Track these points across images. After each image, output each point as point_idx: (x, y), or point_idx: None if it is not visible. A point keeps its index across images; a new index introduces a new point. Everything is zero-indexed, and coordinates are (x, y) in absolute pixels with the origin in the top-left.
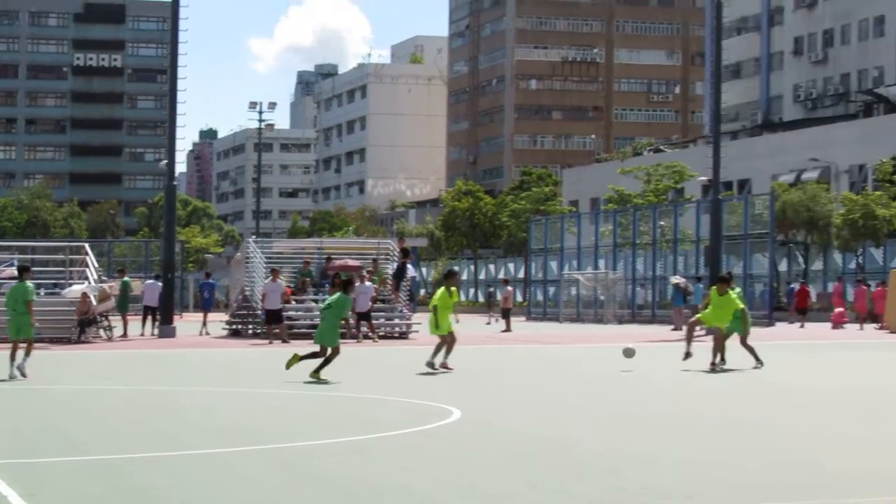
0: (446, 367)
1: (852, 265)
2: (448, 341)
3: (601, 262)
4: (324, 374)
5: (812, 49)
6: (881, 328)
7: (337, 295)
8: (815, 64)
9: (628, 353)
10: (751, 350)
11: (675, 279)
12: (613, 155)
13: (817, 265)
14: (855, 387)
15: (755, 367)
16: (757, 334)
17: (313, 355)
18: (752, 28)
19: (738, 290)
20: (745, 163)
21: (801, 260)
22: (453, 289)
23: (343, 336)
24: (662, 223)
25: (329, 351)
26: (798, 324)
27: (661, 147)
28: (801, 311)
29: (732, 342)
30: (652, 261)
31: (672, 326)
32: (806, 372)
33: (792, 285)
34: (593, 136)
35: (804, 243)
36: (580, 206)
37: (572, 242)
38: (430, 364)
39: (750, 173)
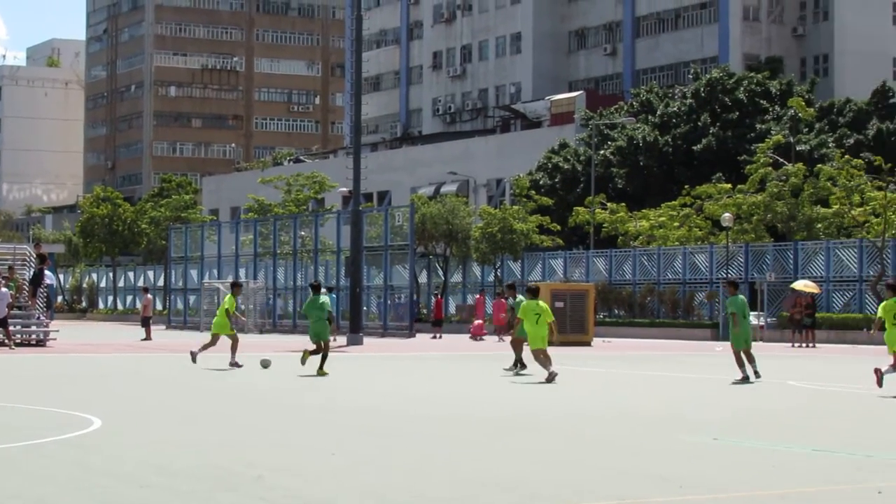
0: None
1: (491, 278)
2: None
3: (242, 271)
4: None
5: (450, 63)
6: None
7: None
8: (453, 78)
9: (265, 363)
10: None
11: None
12: (254, 164)
13: (457, 277)
14: (427, 400)
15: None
16: (394, 346)
17: None
18: (391, 41)
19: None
20: (386, 175)
21: (440, 272)
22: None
23: None
24: (303, 233)
25: None
26: (432, 335)
27: (302, 157)
28: (436, 322)
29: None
30: (293, 270)
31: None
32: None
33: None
34: (233, 145)
35: (444, 255)
36: (220, 215)
37: (213, 251)
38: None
39: (390, 185)
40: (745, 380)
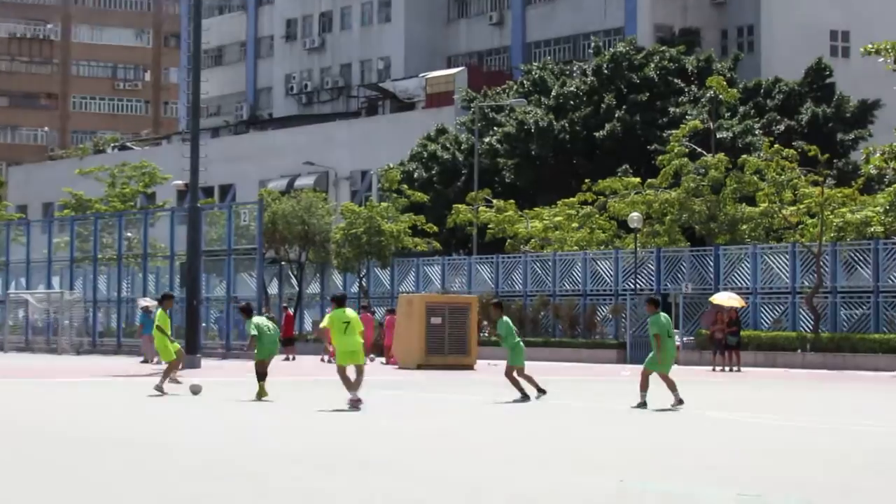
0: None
1: (355, 288)
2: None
3: (55, 280)
4: None
5: (307, 34)
6: (389, 362)
7: None
8: (310, 51)
9: (195, 389)
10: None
11: (145, 301)
12: (71, 151)
13: (314, 287)
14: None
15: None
16: (237, 369)
17: None
18: (237, 7)
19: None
20: (229, 165)
21: (294, 281)
22: None
23: None
24: (130, 234)
25: None
26: (284, 356)
27: (129, 144)
28: (286, 341)
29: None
30: (118, 279)
31: (142, 358)
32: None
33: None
34: (46, 129)
35: (298, 262)
36: (30, 213)
37: (20, 255)
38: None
39: (234, 178)
40: (643, 405)
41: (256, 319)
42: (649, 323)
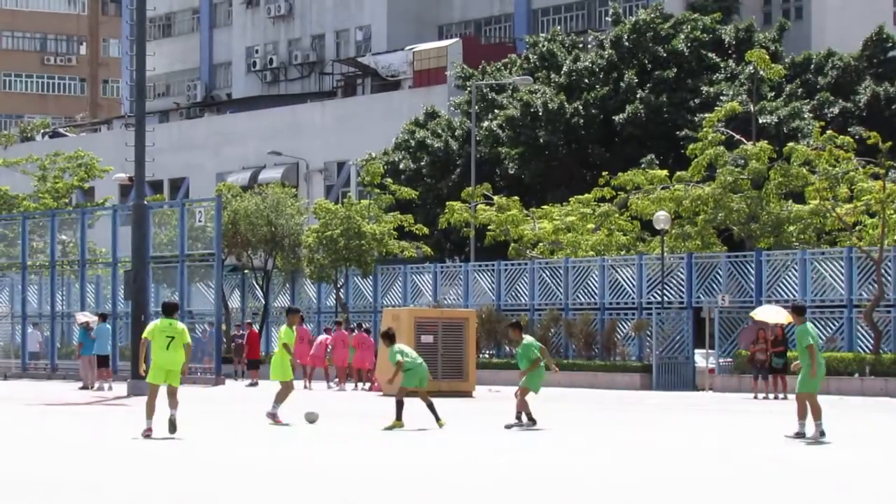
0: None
1: (331, 301)
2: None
3: None
4: None
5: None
6: (372, 389)
7: None
8: (276, 20)
9: (311, 418)
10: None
11: (83, 316)
12: None
13: (283, 300)
14: None
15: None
16: (191, 396)
17: None
18: None
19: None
20: (181, 155)
21: (259, 293)
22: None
23: None
24: (65, 237)
25: None
26: (248, 381)
27: (62, 130)
28: (252, 363)
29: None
30: (51, 290)
31: (81, 383)
32: None
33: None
34: None
35: (264, 269)
36: None
37: None
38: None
39: (187, 170)
40: (801, 435)
41: (399, 346)
42: (798, 334)
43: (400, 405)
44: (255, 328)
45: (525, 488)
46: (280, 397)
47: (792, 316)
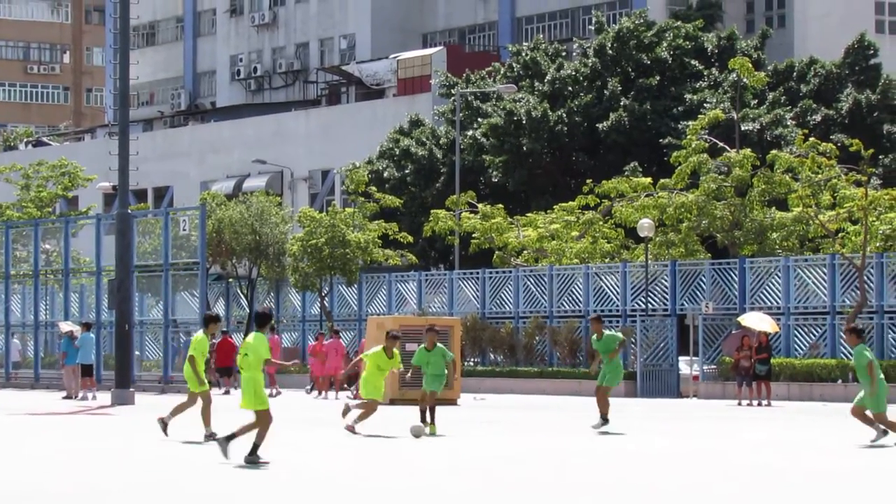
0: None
1: (315, 309)
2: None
3: None
4: None
5: (256, 7)
6: (356, 396)
7: None
8: (260, 28)
9: (416, 432)
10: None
11: (67, 326)
12: None
13: (264, 308)
14: None
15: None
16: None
17: None
18: None
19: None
20: (165, 164)
21: (244, 301)
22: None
23: None
24: (48, 246)
25: None
26: (224, 389)
27: (45, 139)
28: (224, 370)
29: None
30: (34, 299)
31: (64, 393)
32: None
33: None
34: None
35: (248, 278)
36: None
37: None
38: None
39: (172, 179)
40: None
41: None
42: (856, 354)
43: (426, 412)
44: (230, 337)
45: (509, 492)
46: (179, 409)
47: (849, 338)
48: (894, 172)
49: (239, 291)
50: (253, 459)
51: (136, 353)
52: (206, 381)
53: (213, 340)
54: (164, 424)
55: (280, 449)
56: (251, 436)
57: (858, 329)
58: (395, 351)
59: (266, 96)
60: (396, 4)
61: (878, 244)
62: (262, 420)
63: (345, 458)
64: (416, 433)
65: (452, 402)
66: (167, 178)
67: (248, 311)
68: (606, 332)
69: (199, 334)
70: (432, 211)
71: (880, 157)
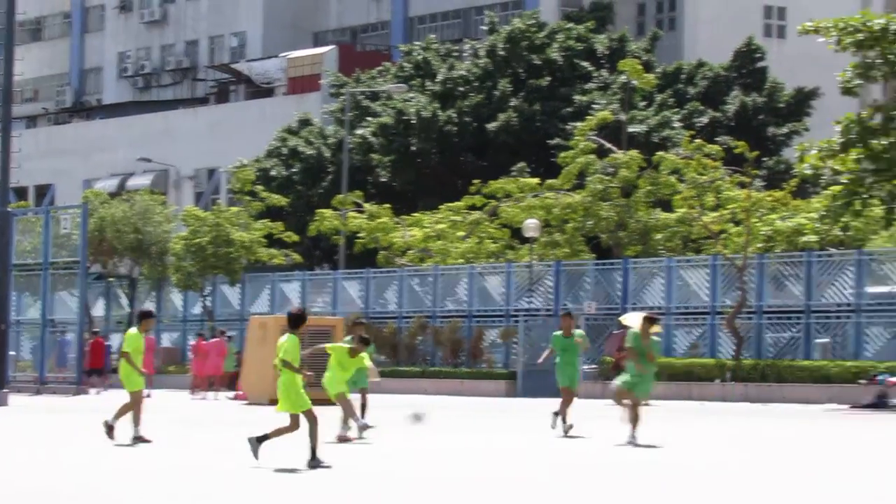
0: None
1: (197, 309)
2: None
3: None
4: None
5: (145, 4)
6: (237, 397)
7: None
8: (149, 25)
9: (417, 417)
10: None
11: None
12: None
13: (150, 308)
14: None
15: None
16: (51, 406)
17: None
18: None
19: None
20: (48, 161)
21: (124, 301)
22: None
23: None
24: None
25: None
26: (96, 390)
27: None
28: (95, 371)
29: None
30: None
31: None
32: None
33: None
34: None
35: (129, 277)
36: None
37: None
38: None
39: (54, 176)
40: None
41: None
42: None
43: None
44: (101, 337)
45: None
46: (122, 410)
47: None
48: (778, 174)
49: (120, 291)
50: (315, 464)
51: (12, 353)
52: (140, 378)
53: (108, 343)
54: (109, 428)
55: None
56: (287, 439)
57: None
58: (363, 355)
59: (154, 94)
60: (288, 3)
61: (758, 245)
62: (310, 420)
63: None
64: (416, 419)
65: (332, 402)
66: (50, 176)
67: (128, 310)
68: (577, 330)
69: (132, 331)
70: (318, 210)
71: (765, 159)
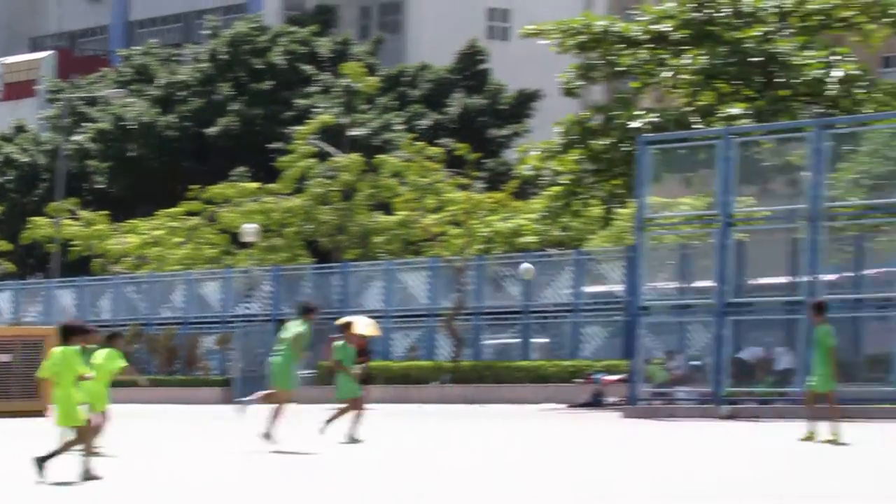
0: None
1: None
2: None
3: None
4: None
5: None
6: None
7: None
8: None
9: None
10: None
11: None
12: None
13: None
14: None
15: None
16: None
17: None
18: None
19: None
20: None
21: None
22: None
23: None
24: None
25: None
26: None
27: None
28: None
29: None
30: None
31: None
32: None
33: None
34: None
35: None
36: None
37: None
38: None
39: None
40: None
41: None
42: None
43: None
44: None
45: None
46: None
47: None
48: (499, 176)
49: None
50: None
51: None
52: None
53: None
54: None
55: None
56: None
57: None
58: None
59: None
60: (4, 5)
61: (478, 247)
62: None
63: None
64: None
65: (41, 413)
66: None
67: None
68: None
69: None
70: (31, 218)
71: (486, 160)
